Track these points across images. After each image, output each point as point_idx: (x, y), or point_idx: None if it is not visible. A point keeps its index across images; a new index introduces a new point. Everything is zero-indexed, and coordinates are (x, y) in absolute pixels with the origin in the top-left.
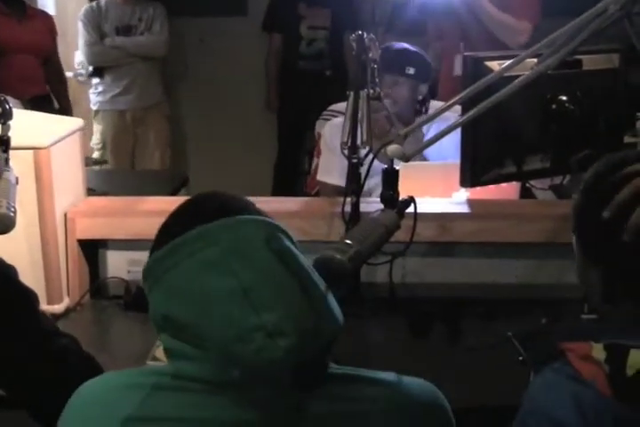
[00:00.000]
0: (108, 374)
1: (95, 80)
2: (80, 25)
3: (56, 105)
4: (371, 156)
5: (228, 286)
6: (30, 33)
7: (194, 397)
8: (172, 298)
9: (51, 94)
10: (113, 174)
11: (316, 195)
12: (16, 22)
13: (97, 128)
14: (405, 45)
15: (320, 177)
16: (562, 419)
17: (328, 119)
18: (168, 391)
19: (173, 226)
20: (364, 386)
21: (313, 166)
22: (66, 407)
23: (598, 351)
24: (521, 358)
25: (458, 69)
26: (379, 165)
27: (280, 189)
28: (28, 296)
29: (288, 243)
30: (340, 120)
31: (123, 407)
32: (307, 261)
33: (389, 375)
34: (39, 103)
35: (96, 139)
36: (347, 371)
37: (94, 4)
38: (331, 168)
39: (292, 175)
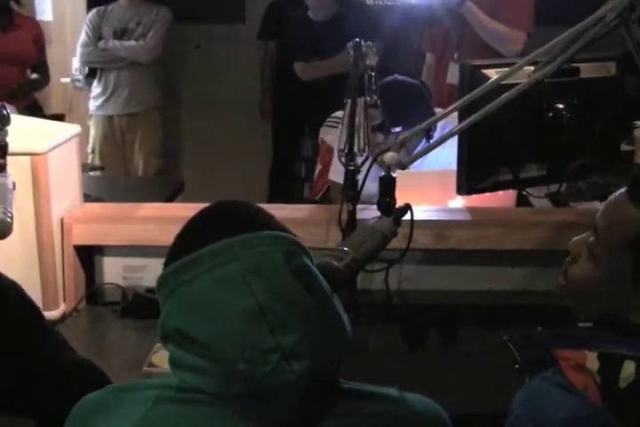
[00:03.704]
0: (110, 387)
1: (93, 85)
2: (84, 27)
3: (45, 111)
4: (370, 161)
5: (245, 304)
6: (13, 43)
7: (198, 408)
8: (186, 312)
9: (38, 102)
10: (108, 180)
11: (321, 198)
12: (0, 32)
13: (91, 133)
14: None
15: (331, 176)
16: None
17: (333, 126)
18: (171, 404)
19: (191, 237)
20: (371, 401)
21: (316, 173)
22: (67, 420)
23: (592, 361)
24: (517, 366)
25: (451, 77)
26: (378, 172)
27: (276, 196)
28: (39, 312)
29: (307, 260)
30: None
31: (125, 420)
32: (323, 279)
33: (392, 391)
34: (29, 111)
35: (89, 144)
36: (353, 386)
37: (102, 7)
38: (340, 169)
39: (288, 182)
